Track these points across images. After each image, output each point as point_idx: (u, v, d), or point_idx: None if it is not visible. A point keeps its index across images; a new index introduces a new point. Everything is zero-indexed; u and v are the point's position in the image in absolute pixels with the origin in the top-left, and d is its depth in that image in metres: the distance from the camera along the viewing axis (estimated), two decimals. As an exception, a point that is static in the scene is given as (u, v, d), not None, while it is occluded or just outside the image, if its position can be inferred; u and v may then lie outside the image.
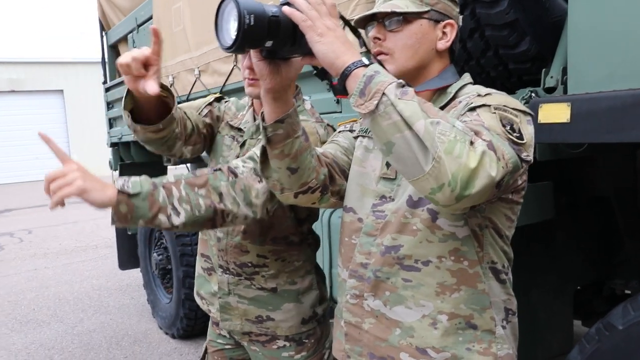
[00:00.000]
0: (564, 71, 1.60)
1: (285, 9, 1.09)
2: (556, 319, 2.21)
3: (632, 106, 1.33)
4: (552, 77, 1.65)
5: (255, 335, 1.87)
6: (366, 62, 1.08)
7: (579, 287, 2.59)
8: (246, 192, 1.46)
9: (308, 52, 1.13)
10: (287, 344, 1.85)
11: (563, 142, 1.52)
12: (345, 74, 1.08)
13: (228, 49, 1.09)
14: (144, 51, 1.37)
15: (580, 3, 1.50)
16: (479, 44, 1.86)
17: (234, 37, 1.06)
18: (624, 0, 1.39)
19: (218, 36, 1.12)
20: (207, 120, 1.87)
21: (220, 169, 1.47)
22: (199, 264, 2.00)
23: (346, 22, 1.21)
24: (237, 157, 1.79)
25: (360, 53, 1.13)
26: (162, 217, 1.36)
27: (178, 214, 1.37)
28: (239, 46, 1.07)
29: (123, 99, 1.53)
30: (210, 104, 1.91)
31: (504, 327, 1.29)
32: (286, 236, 1.81)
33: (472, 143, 1.00)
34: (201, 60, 3.51)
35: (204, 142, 1.86)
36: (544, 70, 1.69)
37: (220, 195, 1.43)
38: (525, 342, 1.38)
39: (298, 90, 1.86)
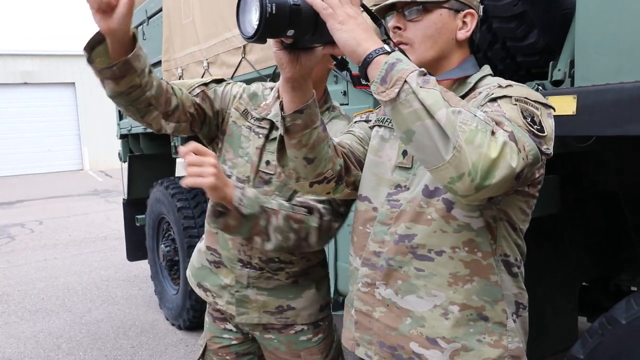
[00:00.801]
0: (572, 64, 1.58)
1: None
2: (561, 314, 2.20)
3: (638, 99, 1.32)
4: (559, 69, 1.64)
5: (272, 325, 1.87)
6: (388, 49, 1.07)
7: (585, 284, 2.58)
8: (329, 234, 1.68)
9: (329, 41, 1.13)
10: (305, 327, 1.86)
11: (569, 134, 1.50)
12: (366, 61, 1.07)
13: (250, 38, 1.09)
14: None
15: (588, -6, 1.48)
16: (487, 36, 1.85)
17: (255, 26, 1.06)
18: (633, -8, 1.38)
19: (240, 26, 1.12)
20: (197, 100, 1.76)
21: (311, 209, 1.64)
22: (202, 256, 1.96)
23: (367, 10, 1.20)
24: (258, 149, 1.77)
25: (382, 40, 1.13)
26: (257, 239, 1.57)
27: (270, 240, 1.57)
28: (261, 35, 1.07)
29: (89, 45, 1.42)
30: (205, 84, 1.82)
31: (514, 321, 1.28)
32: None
33: (493, 133, 0.99)
34: (210, 52, 3.51)
35: (190, 121, 1.75)
36: (551, 63, 1.67)
37: (308, 234, 1.62)
38: (530, 336, 1.37)
39: (327, 94, 1.85)
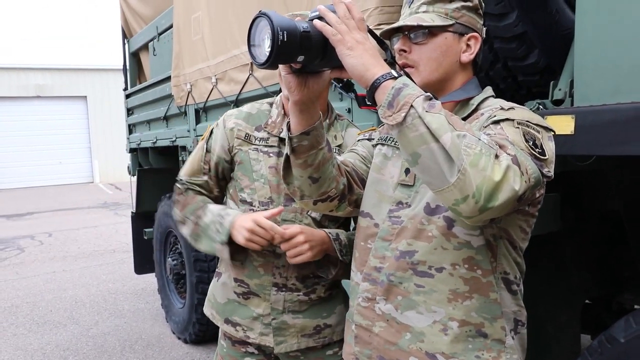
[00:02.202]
0: (572, 84, 1.60)
1: (317, 22, 1.12)
2: (564, 332, 2.20)
3: (635, 119, 1.33)
4: (560, 89, 1.66)
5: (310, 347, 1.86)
6: (395, 74, 1.10)
7: (588, 302, 2.57)
8: None
9: (337, 65, 1.16)
10: (333, 342, 1.87)
11: (568, 154, 1.52)
12: (374, 86, 1.10)
13: (262, 65, 1.12)
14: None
15: (586, 16, 1.51)
16: (488, 56, 1.87)
17: (267, 53, 1.09)
18: (631, 15, 1.40)
19: (251, 52, 1.15)
20: (205, 178, 1.90)
21: None
22: (228, 290, 1.91)
23: (373, 35, 1.23)
24: (273, 167, 1.79)
25: (385, 60, 1.16)
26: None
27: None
28: (273, 62, 1.10)
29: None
30: (204, 155, 1.90)
31: (512, 338, 1.29)
32: None
33: (497, 157, 1.02)
34: (218, 69, 3.56)
35: (221, 193, 1.95)
36: (552, 82, 1.69)
37: None
38: (532, 354, 1.38)
39: (330, 106, 1.89)
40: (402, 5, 2.10)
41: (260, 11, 1.11)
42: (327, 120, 1.85)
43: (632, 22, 1.39)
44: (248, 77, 3.19)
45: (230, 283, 1.89)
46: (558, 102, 1.66)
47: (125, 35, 5.98)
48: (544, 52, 1.80)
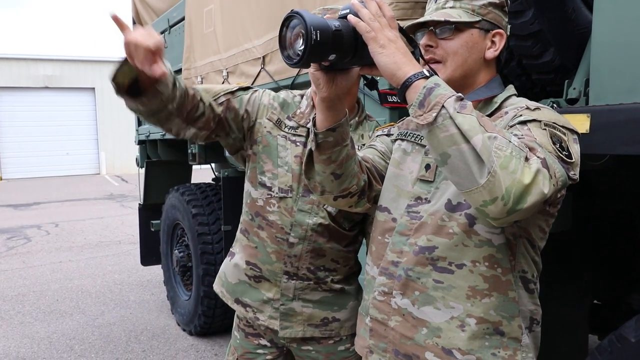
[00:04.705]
0: (587, 83, 1.60)
1: (352, 18, 1.12)
2: (572, 332, 2.20)
3: (651, 119, 1.33)
4: (574, 88, 1.66)
5: (314, 337, 1.86)
6: (427, 73, 1.10)
7: (597, 302, 2.57)
8: None
9: (367, 63, 1.17)
10: (344, 337, 1.86)
11: (582, 152, 1.52)
12: (405, 85, 1.10)
13: (294, 64, 1.12)
14: (149, 41, 1.33)
15: (604, 16, 1.50)
16: (503, 54, 1.87)
17: (300, 52, 1.09)
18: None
19: (282, 51, 1.15)
20: (221, 108, 1.74)
21: None
22: (240, 271, 1.91)
23: (404, 33, 1.23)
24: (298, 157, 1.76)
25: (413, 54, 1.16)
26: None
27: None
28: (305, 61, 1.10)
29: (115, 69, 1.43)
30: (231, 92, 1.79)
31: (527, 336, 1.30)
32: (354, 242, 1.86)
33: (527, 159, 1.02)
34: (230, 62, 3.57)
35: (212, 130, 1.75)
36: (566, 81, 1.69)
37: None
38: (539, 352, 1.38)
39: (361, 105, 1.85)
40: (416, 2, 2.12)
41: (292, 10, 1.11)
42: (357, 118, 1.82)
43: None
44: (260, 71, 3.19)
45: (243, 265, 1.90)
46: (572, 101, 1.66)
47: (136, 27, 5.99)
48: (559, 51, 1.79)
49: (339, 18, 1.15)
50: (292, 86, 2.89)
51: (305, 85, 2.79)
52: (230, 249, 2.03)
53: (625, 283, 2.38)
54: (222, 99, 1.76)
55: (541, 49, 1.80)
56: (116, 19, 1.37)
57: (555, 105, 1.68)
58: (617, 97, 1.46)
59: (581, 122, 1.47)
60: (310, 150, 1.32)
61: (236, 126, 1.81)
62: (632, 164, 1.89)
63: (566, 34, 1.79)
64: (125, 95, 1.48)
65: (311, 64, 1.18)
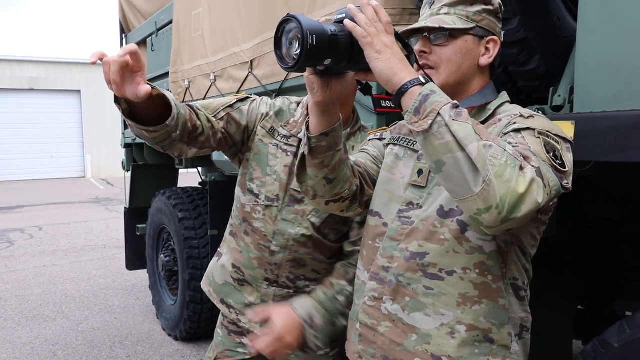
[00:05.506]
0: (572, 90, 1.61)
1: (348, 23, 1.12)
2: (557, 337, 2.21)
3: (634, 127, 1.35)
4: (559, 95, 1.67)
5: None
6: (422, 80, 1.10)
7: (581, 307, 2.59)
8: None
9: (362, 68, 1.16)
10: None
11: (567, 159, 1.53)
12: (401, 91, 1.10)
13: (289, 68, 1.11)
14: (125, 57, 1.27)
15: (588, 24, 1.52)
16: (497, 61, 1.88)
17: (295, 57, 1.09)
18: (632, 23, 1.41)
19: (278, 55, 1.14)
20: (222, 124, 1.75)
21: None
22: (226, 273, 1.93)
23: (399, 39, 1.23)
24: (287, 167, 1.75)
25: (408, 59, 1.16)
26: None
27: None
28: (301, 66, 1.10)
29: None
30: (230, 106, 1.79)
31: (517, 343, 1.30)
32: (339, 254, 1.85)
33: (521, 168, 1.02)
34: (217, 66, 3.56)
35: (213, 148, 1.76)
36: (551, 88, 1.71)
37: None
38: (528, 358, 1.39)
39: (357, 114, 1.84)
40: (404, 8, 2.13)
41: (288, 14, 1.11)
42: (349, 129, 1.80)
43: (633, 30, 1.41)
44: (247, 75, 3.18)
45: (229, 267, 1.92)
46: (557, 108, 1.68)
47: (123, 30, 5.96)
48: (545, 59, 1.81)
49: (335, 22, 1.15)
50: (280, 91, 2.89)
51: (293, 90, 2.79)
52: (218, 249, 2.03)
53: (609, 289, 2.40)
54: (222, 113, 1.76)
55: (527, 57, 1.82)
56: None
57: (540, 112, 1.69)
58: (601, 104, 1.47)
59: (566, 129, 1.49)
60: (303, 154, 1.31)
61: (238, 137, 1.82)
62: (614, 171, 1.91)
63: (551, 41, 1.80)
64: (130, 121, 1.46)
65: (306, 68, 1.18)
